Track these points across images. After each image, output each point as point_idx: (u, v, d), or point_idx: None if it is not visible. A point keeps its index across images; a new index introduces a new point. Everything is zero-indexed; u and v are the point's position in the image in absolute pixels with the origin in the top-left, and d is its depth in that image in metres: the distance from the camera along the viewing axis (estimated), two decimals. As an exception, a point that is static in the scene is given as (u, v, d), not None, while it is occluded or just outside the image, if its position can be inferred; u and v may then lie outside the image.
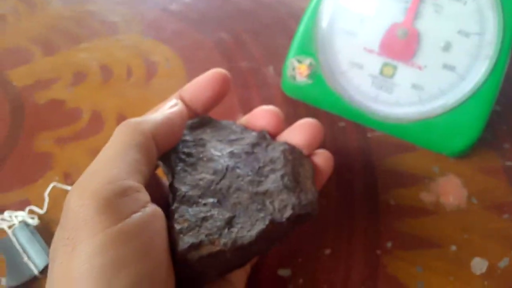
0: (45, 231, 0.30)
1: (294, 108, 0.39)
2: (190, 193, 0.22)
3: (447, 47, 0.34)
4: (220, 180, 0.24)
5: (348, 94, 0.37)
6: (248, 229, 0.22)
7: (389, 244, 0.30)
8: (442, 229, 0.31)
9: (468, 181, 0.34)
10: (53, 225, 0.31)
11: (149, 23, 0.49)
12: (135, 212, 0.19)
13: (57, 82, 0.42)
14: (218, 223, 0.21)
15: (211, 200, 0.22)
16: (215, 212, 0.22)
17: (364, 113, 0.36)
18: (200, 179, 0.23)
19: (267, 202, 0.23)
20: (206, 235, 0.21)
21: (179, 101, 0.26)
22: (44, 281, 0.28)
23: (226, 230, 0.21)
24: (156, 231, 0.19)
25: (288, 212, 0.23)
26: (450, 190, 0.33)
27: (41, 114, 0.38)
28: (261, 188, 0.24)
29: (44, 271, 0.28)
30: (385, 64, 0.36)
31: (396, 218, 0.32)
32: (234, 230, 0.21)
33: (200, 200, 0.22)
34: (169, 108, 0.25)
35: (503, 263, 0.29)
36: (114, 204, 0.18)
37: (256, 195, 0.23)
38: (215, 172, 0.24)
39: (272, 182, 0.24)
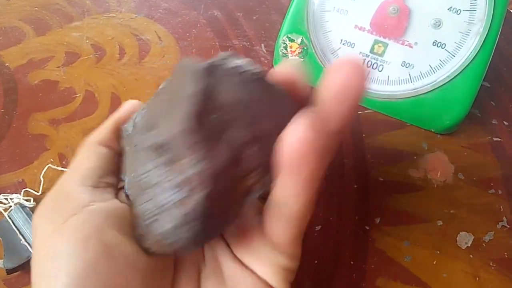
0: (42, 212, 0.31)
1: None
2: None
3: (437, 24, 0.34)
4: None
5: (339, 72, 0.37)
6: None
7: (377, 220, 0.31)
8: (429, 204, 0.32)
9: (455, 157, 0.34)
10: (49, 206, 0.31)
11: (141, 0, 0.49)
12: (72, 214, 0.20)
13: (50, 62, 0.42)
14: None
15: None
16: None
17: (355, 91, 0.37)
18: None
19: None
20: None
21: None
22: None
23: None
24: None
25: None
26: (438, 166, 0.34)
27: (34, 95, 0.39)
28: None
29: (41, 251, 0.28)
30: (376, 42, 0.36)
31: (384, 194, 0.32)
32: None
33: None
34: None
35: (488, 237, 0.30)
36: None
37: None
38: None
39: None
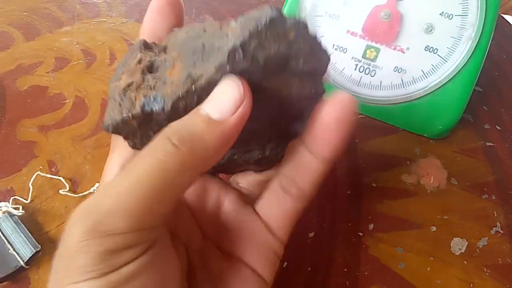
0: (29, 221, 0.30)
1: (278, 92, 0.39)
2: None
3: (429, 29, 0.34)
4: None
5: (331, 77, 0.37)
6: None
7: (371, 226, 0.31)
8: (422, 210, 0.32)
9: (448, 162, 0.34)
10: (37, 215, 0.31)
11: (132, 5, 0.48)
12: (125, 264, 0.17)
13: (39, 68, 0.41)
14: None
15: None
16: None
17: (347, 96, 0.36)
18: None
19: None
20: None
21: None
22: (29, 271, 0.28)
23: None
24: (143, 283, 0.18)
25: None
26: (431, 171, 0.34)
27: (23, 101, 0.38)
28: None
29: (29, 261, 0.28)
30: (368, 47, 0.36)
31: (377, 200, 0.32)
32: None
33: None
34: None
35: (481, 242, 0.30)
36: (110, 257, 0.17)
37: None
38: None
39: None
